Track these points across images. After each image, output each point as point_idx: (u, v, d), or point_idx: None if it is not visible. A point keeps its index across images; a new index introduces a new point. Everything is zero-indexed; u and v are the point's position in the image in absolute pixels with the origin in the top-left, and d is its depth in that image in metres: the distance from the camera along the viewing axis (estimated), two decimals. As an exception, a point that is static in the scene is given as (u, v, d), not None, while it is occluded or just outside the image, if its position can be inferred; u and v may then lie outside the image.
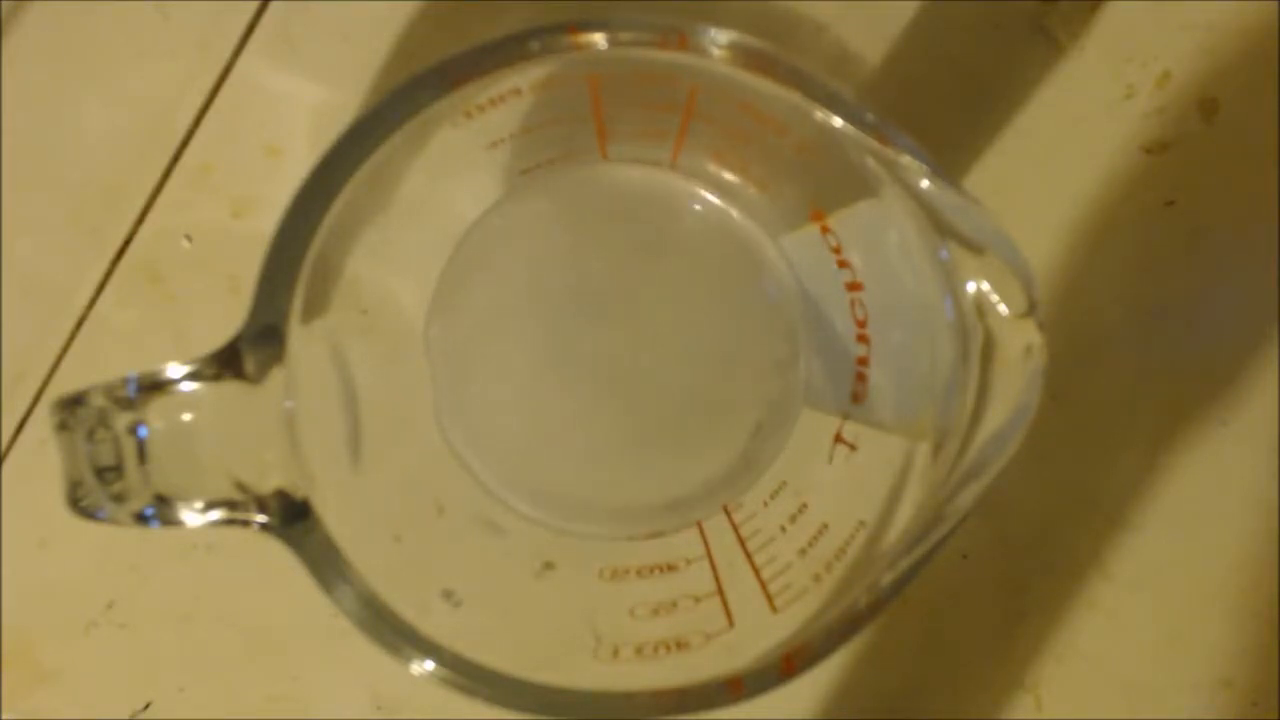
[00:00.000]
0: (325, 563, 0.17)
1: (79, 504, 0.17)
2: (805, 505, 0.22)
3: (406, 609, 0.18)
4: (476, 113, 0.19)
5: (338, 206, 0.17)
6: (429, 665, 0.18)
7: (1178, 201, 0.27)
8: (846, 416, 0.22)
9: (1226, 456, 0.27)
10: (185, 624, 0.27)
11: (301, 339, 0.17)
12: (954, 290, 0.17)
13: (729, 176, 0.24)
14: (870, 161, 0.18)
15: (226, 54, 0.26)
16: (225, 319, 0.17)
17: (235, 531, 0.17)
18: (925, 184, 0.17)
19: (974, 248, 0.17)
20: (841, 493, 0.22)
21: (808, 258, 0.23)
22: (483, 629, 0.20)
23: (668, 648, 0.20)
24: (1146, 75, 0.26)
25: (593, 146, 0.23)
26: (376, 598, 0.18)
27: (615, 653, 0.20)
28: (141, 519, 0.17)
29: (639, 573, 0.22)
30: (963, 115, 0.26)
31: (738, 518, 0.23)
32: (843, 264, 0.22)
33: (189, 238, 0.27)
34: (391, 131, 0.17)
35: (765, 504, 0.23)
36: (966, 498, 0.17)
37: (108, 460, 0.17)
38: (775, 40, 0.19)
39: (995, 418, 0.17)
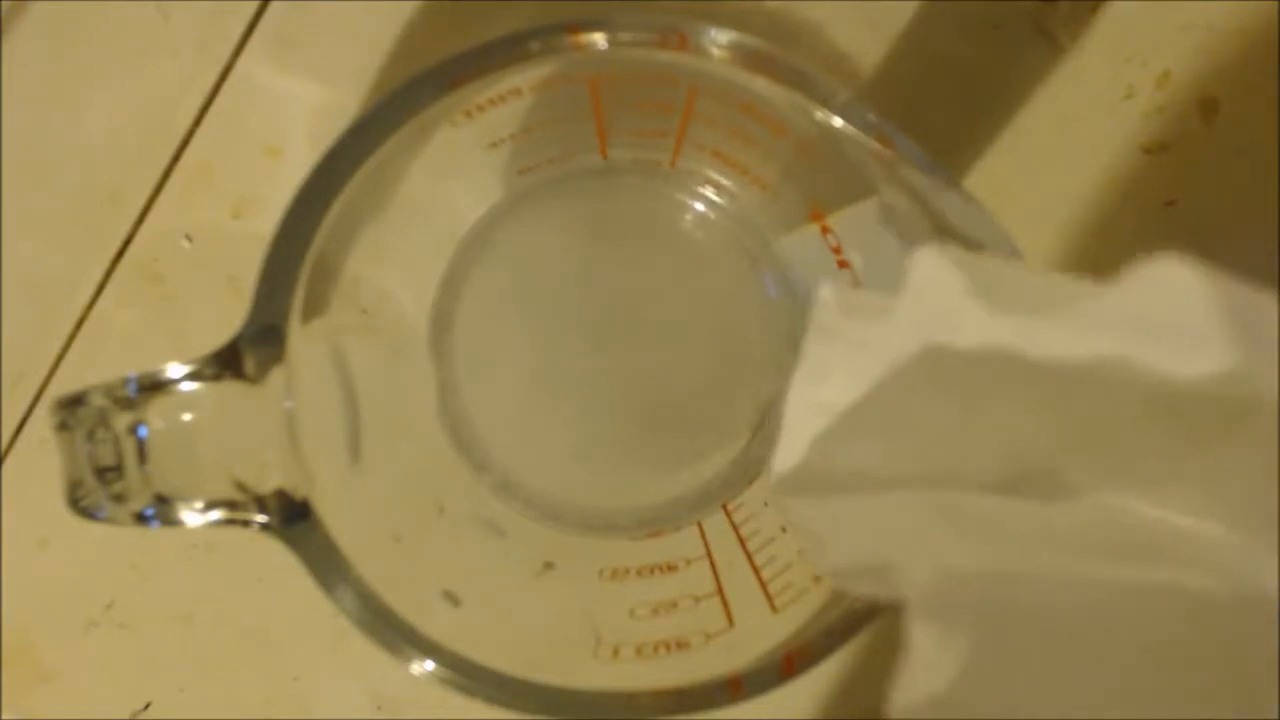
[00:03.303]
0: (325, 563, 0.17)
1: (79, 504, 0.17)
2: (805, 505, 0.22)
3: (406, 609, 0.18)
4: (476, 113, 0.19)
5: (338, 206, 0.17)
6: (429, 665, 0.18)
7: (1178, 201, 0.27)
8: (846, 416, 0.22)
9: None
10: (185, 624, 0.27)
11: (301, 339, 0.17)
12: (954, 290, 0.17)
13: (729, 177, 0.24)
14: (870, 161, 0.18)
15: (226, 54, 0.26)
16: (225, 319, 0.17)
17: (235, 531, 0.17)
18: (925, 184, 0.17)
19: (974, 248, 0.17)
20: (841, 493, 0.22)
21: (808, 258, 0.23)
22: (483, 629, 0.20)
23: (668, 648, 0.20)
24: (1146, 75, 0.26)
25: (593, 146, 0.23)
26: (376, 598, 0.18)
27: (615, 653, 0.20)
28: (141, 519, 0.17)
29: (639, 573, 0.22)
30: (963, 115, 0.26)
31: (738, 518, 0.23)
32: (843, 264, 0.22)
33: (189, 238, 0.27)
34: (391, 131, 0.17)
35: (765, 504, 0.23)
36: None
37: (108, 460, 0.17)
38: (775, 40, 0.19)
39: (995, 418, 0.17)
